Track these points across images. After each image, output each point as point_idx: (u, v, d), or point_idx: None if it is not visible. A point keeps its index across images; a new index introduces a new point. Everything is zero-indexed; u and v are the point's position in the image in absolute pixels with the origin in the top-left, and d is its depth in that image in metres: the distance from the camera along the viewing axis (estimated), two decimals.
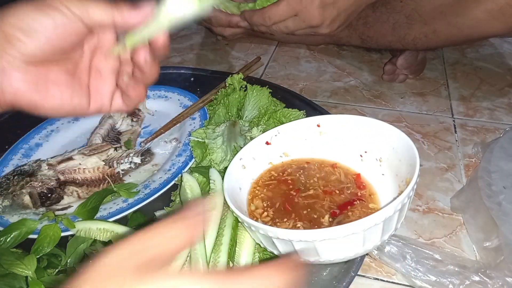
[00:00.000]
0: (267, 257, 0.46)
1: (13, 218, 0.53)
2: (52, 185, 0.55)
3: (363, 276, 0.49)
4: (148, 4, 0.35)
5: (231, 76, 0.71)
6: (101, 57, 0.39)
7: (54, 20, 0.32)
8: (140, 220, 0.51)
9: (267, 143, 0.54)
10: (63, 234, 0.48)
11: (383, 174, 0.50)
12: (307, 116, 0.59)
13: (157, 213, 0.52)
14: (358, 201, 0.48)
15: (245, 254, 0.45)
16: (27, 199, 0.53)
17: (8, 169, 0.61)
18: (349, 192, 0.49)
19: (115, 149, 0.62)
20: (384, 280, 0.48)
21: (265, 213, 0.48)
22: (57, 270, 0.45)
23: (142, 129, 0.70)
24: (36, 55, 0.33)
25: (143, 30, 0.34)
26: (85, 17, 0.33)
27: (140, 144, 0.67)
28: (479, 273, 0.44)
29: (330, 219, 0.46)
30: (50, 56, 0.34)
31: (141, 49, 0.36)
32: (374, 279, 0.49)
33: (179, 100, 0.73)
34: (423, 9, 0.71)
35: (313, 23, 0.67)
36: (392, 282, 0.48)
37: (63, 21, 0.32)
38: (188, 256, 0.43)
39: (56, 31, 0.33)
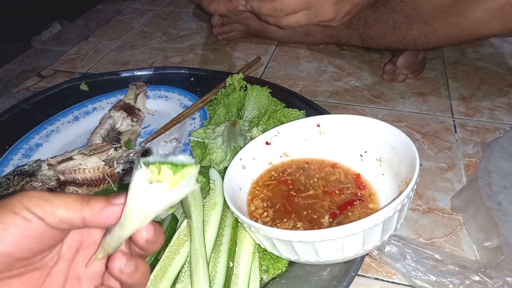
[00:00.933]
0: (267, 257, 0.46)
1: None
2: (52, 185, 0.55)
3: (363, 276, 0.49)
4: (119, 199, 0.28)
5: (231, 76, 0.71)
6: (83, 258, 0.31)
7: (7, 226, 0.25)
8: None
9: (267, 143, 0.54)
10: None
11: (383, 174, 0.50)
12: (307, 116, 0.59)
13: None
14: (358, 201, 0.48)
15: (245, 254, 0.45)
16: None
17: (8, 169, 0.61)
18: (349, 192, 0.49)
19: (115, 149, 0.62)
20: (384, 280, 0.48)
21: (265, 214, 0.48)
22: None
23: (142, 129, 0.71)
24: None
25: (117, 230, 0.27)
26: (51, 219, 0.27)
27: (140, 144, 0.67)
28: (479, 273, 0.44)
29: (330, 220, 0.46)
30: (7, 270, 0.27)
31: (115, 256, 0.28)
32: (374, 279, 0.49)
33: (179, 100, 0.73)
34: (423, 9, 0.71)
35: (326, 18, 0.67)
36: (392, 282, 0.48)
37: (19, 226, 0.26)
38: (188, 256, 0.43)
39: (12, 241, 0.26)
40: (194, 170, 0.25)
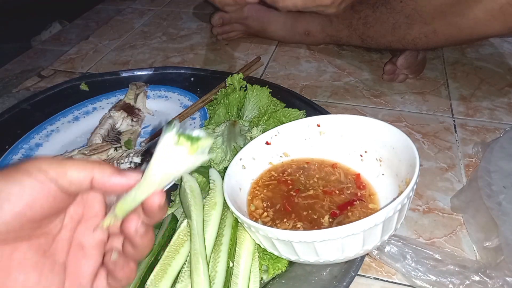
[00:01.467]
0: (267, 257, 0.46)
1: None
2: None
3: (363, 276, 0.49)
4: (134, 171, 0.30)
5: (231, 76, 0.71)
6: (85, 230, 0.32)
7: (24, 187, 0.27)
8: None
9: (267, 143, 0.54)
10: None
11: (383, 174, 0.50)
12: (307, 116, 0.59)
13: None
14: (358, 201, 0.48)
15: (245, 254, 0.45)
16: None
17: None
18: (349, 192, 0.49)
19: (115, 149, 0.62)
20: (384, 280, 0.48)
21: (265, 214, 0.48)
22: None
23: (142, 129, 0.71)
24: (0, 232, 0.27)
25: (133, 194, 0.29)
26: (62, 180, 0.28)
27: (140, 144, 0.67)
28: (479, 273, 0.44)
29: (330, 220, 0.46)
30: (18, 231, 0.28)
31: (131, 217, 0.30)
32: (374, 279, 0.49)
33: (179, 100, 0.73)
34: (423, 9, 0.71)
35: (324, 2, 0.67)
36: (392, 282, 0.48)
37: (35, 187, 0.27)
38: (188, 256, 0.43)
39: (27, 200, 0.27)
40: (209, 142, 0.28)
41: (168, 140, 0.28)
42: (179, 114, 0.68)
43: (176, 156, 0.28)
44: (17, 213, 0.27)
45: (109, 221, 0.31)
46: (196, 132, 0.28)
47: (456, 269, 0.45)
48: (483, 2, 0.64)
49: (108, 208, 0.33)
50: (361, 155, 0.53)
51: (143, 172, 0.29)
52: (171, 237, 0.45)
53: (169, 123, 0.28)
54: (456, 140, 0.69)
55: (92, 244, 0.32)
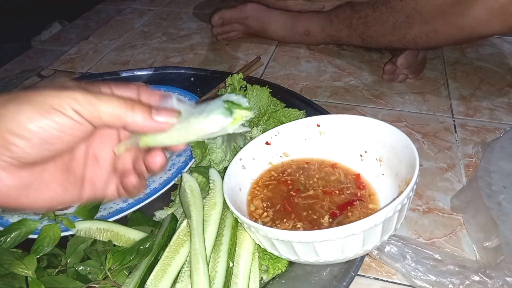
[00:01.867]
0: (267, 257, 0.46)
1: (13, 218, 0.53)
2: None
3: (363, 276, 0.49)
4: (167, 112, 0.31)
5: (231, 76, 0.71)
6: (99, 143, 0.35)
7: (59, 125, 0.28)
8: (140, 220, 0.51)
9: (267, 143, 0.54)
10: (63, 234, 0.48)
11: (383, 174, 0.50)
12: (307, 116, 0.59)
13: (157, 213, 0.52)
14: (357, 202, 0.48)
15: (245, 254, 0.45)
16: None
17: None
18: (348, 192, 0.49)
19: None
20: (384, 280, 0.48)
21: (265, 214, 0.48)
22: (57, 270, 0.45)
23: None
24: (33, 159, 0.29)
25: (164, 136, 0.31)
26: (94, 120, 0.29)
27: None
28: (479, 273, 0.44)
29: (330, 220, 0.46)
30: (48, 157, 0.30)
31: (156, 153, 0.34)
32: (374, 279, 0.49)
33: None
34: (423, 8, 0.71)
35: None
36: (392, 282, 0.48)
37: (68, 125, 0.29)
38: (188, 256, 0.43)
39: (59, 135, 0.29)
40: (250, 114, 0.31)
41: (219, 105, 0.30)
42: None
43: (219, 120, 0.30)
44: (51, 145, 0.29)
45: (128, 145, 0.34)
46: (245, 102, 0.30)
47: (456, 269, 0.45)
48: (484, 1, 0.64)
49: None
50: (361, 155, 0.53)
51: (176, 114, 0.31)
52: (171, 237, 0.45)
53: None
54: (456, 140, 0.69)
55: (105, 156, 0.35)
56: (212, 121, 0.30)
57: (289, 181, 0.52)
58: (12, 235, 0.48)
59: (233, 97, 0.31)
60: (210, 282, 0.40)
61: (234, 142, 0.57)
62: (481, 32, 0.70)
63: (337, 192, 0.49)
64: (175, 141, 0.32)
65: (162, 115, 0.31)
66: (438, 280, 0.45)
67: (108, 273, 0.43)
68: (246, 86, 0.68)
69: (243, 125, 0.31)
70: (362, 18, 0.80)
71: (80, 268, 0.44)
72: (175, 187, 0.55)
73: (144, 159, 0.35)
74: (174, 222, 0.48)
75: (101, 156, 0.35)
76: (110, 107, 0.30)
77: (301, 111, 0.62)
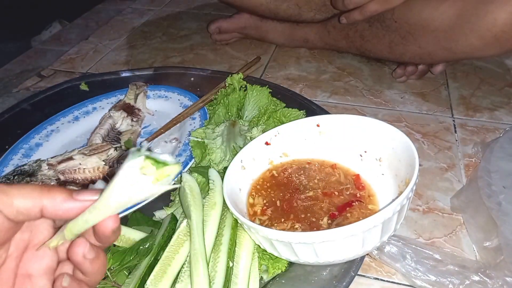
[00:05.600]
0: (266, 257, 0.46)
1: None
2: (52, 185, 0.55)
3: (363, 276, 0.49)
4: (89, 192, 0.28)
5: (231, 76, 0.71)
6: (32, 256, 0.30)
7: None
8: (140, 220, 0.51)
9: (266, 143, 0.54)
10: None
11: (382, 174, 0.50)
12: (307, 116, 0.59)
13: (157, 213, 0.52)
14: (357, 202, 0.48)
15: (245, 254, 0.45)
16: None
17: (8, 169, 0.61)
18: (348, 193, 0.49)
19: (115, 149, 0.62)
20: (384, 280, 0.48)
21: (264, 214, 0.48)
22: None
23: (142, 129, 0.71)
24: None
25: (86, 216, 0.27)
26: (8, 210, 0.26)
27: (140, 144, 0.66)
28: (479, 273, 0.44)
29: (329, 221, 0.46)
30: None
31: (78, 242, 0.28)
32: (374, 279, 0.49)
33: (179, 100, 0.73)
34: (417, 32, 0.71)
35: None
36: (392, 282, 0.48)
37: None
38: (188, 256, 0.43)
39: None
40: (176, 170, 0.26)
41: (133, 165, 0.25)
42: (179, 114, 0.68)
43: (139, 182, 0.26)
44: None
45: (56, 242, 0.29)
46: (164, 157, 0.26)
47: (456, 269, 0.45)
48: (477, 30, 0.63)
49: (57, 230, 0.30)
50: (360, 155, 0.53)
51: (100, 192, 0.27)
52: (171, 237, 0.45)
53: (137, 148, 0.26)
54: (456, 140, 0.69)
55: (40, 272, 0.30)
56: (125, 173, 0.25)
57: (289, 182, 0.52)
58: None
59: (153, 154, 0.26)
60: (210, 282, 0.40)
61: (234, 142, 0.57)
62: (475, 57, 0.70)
63: (337, 193, 0.49)
64: (98, 217, 0.27)
65: (83, 194, 0.28)
66: (438, 280, 0.45)
67: (108, 273, 0.43)
68: (246, 86, 0.68)
69: (168, 182, 0.26)
70: (359, 32, 0.80)
71: None
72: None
73: (68, 257, 0.29)
74: (174, 222, 0.48)
75: (35, 271, 0.29)
76: (24, 192, 0.26)
77: (301, 111, 0.62)
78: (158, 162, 0.25)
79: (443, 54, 0.71)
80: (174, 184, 0.27)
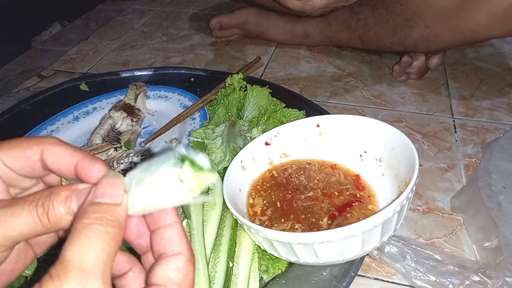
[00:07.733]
0: (266, 257, 0.46)
1: None
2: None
3: (363, 276, 0.49)
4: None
5: (231, 76, 0.71)
6: None
7: None
8: None
9: (266, 143, 0.54)
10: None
11: (382, 174, 0.50)
12: (307, 116, 0.59)
13: None
14: (357, 203, 0.48)
15: (245, 254, 0.45)
16: None
17: None
18: (348, 193, 0.49)
19: (115, 149, 0.62)
20: (384, 280, 0.48)
21: (264, 214, 0.48)
22: None
23: (142, 129, 0.70)
24: None
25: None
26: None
27: (140, 144, 0.67)
28: (479, 273, 0.44)
29: (329, 222, 0.46)
30: None
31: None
32: (374, 279, 0.49)
33: (179, 100, 0.73)
34: (424, 13, 0.71)
35: None
36: (392, 282, 0.48)
37: None
38: None
39: None
40: (212, 179, 0.24)
41: (173, 171, 0.23)
42: (179, 114, 0.68)
43: (174, 189, 0.23)
44: None
45: None
46: (201, 160, 0.23)
47: (456, 269, 0.45)
48: (486, 6, 0.63)
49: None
50: (360, 155, 0.53)
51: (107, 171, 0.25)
52: None
53: (145, 154, 0.23)
54: (456, 140, 0.69)
55: None
56: (162, 176, 0.23)
57: (288, 182, 0.52)
58: None
59: (191, 154, 0.23)
60: (210, 282, 0.40)
61: (234, 143, 0.57)
62: (483, 36, 0.69)
63: (337, 193, 0.49)
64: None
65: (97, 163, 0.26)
66: (438, 280, 0.45)
67: None
68: (246, 86, 0.68)
69: (202, 194, 0.24)
70: (362, 20, 0.80)
71: None
72: None
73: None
74: None
75: None
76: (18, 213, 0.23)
77: (301, 111, 0.62)
78: (195, 165, 0.23)
79: (450, 35, 0.71)
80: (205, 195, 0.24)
